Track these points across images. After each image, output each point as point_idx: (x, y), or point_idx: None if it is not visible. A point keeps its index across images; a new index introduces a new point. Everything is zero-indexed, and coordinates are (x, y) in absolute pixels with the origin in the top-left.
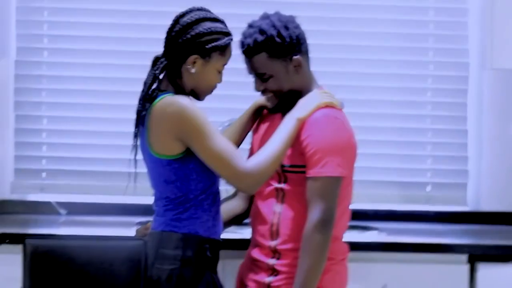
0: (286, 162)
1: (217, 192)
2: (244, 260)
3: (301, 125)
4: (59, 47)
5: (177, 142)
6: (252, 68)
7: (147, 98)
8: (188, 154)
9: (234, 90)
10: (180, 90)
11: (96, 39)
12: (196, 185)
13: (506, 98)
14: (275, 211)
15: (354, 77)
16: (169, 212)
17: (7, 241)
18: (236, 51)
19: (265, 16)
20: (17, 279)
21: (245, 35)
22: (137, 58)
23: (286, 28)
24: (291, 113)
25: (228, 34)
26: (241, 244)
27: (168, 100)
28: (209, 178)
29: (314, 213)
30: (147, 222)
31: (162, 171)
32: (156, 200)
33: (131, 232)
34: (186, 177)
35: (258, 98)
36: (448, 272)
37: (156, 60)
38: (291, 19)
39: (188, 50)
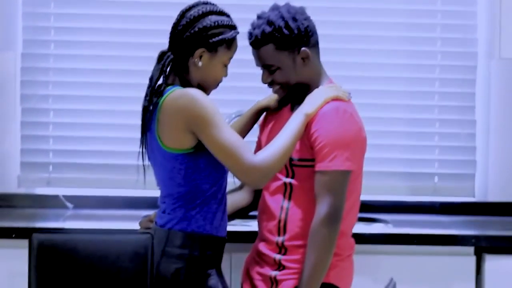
0: (295, 156)
1: (225, 190)
2: (251, 252)
3: (310, 119)
4: (65, 39)
5: (188, 134)
6: (260, 60)
7: (154, 93)
8: (199, 149)
9: (242, 81)
10: (187, 84)
11: (102, 31)
12: (205, 182)
13: None
14: (282, 206)
15: (361, 67)
16: (178, 210)
17: (13, 235)
18: (244, 42)
19: (275, 7)
20: (23, 273)
21: (253, 26)
22: (144, 50)
23: (295, 19)
24: (299, 109)
25: (234, 27)
26: (248, 237)
27: (179, 92)
28: (219, 175)
29: (322, 207)
30: (153, 213)
31: (172, 165)
32: (163, 197)
33: (138, 225)
34: (196, 172)
35: (260, 100)
36: (455, 263)
37: (162, 55)
38: (301, 10)
39: (194, 43)
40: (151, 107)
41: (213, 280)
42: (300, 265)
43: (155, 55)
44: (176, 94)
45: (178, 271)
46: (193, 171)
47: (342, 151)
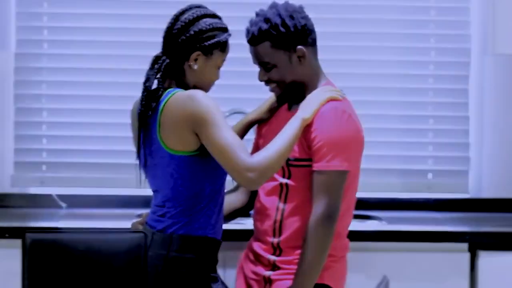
0: (292, 156)
1: (224, 193)
2: (246, 250)
3: (308, 123)
4: (59, 39)
5: (192, 135)
6: (256, 57)
7: (152, 98)
8: (203, 151)
9: (239, 79)
10: (183, 87)
11: (95, 30)
12: (208, 185)
13: (508, 83)
14: (278, 207)
15: (355, 64)
16: (181, 214)
17: (6, 235)
18: (242, 40)
19: (273, 5)
20: (16, 273)
21: (251, 24)
22: (137, 49)
23: (292, 17)
24: (296, 114)
25: (226, 30)
26: (242, 235)
27: (183, 94)
28: (220, 178)
29: (319, 207)
30: (143, 214)
31: (176, 168)
32: (163, 201)
33: (131, 226)
34: (200, 175)
35: (249, 113)
36: (449, 260)
37: (156, 59)
38: (299, 9)
39: (190, 47)
40: (150, 112)
41: (218, 283)
42: (294, 266)
43: (148, 53)
44: (179, 96)
45: (183, 276)
46: (197, 174)
47: (340, 151)
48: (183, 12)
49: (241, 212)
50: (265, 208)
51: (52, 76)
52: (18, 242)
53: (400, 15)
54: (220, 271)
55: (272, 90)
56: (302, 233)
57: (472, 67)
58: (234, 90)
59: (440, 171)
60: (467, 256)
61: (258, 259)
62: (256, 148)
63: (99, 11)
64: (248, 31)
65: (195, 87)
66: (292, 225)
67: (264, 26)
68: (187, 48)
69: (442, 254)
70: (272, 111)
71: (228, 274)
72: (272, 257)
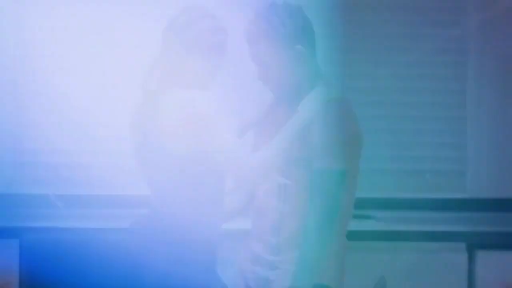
0: (291, 155)
1: (223, 193)
2: (244, 251)
3: (307, 121)
4: (58, 39)
5: (192, 135)
6: (255, 57)
7: (152, 98)
8: (203, 153)
9: (238, 80)
10: (182, 87)
11: (94, 30)
12: (209, 185)
13: (505, 83)
14: (277, 207)
15: (353, 64)
16: (181, 214)
17: (4, 235)
18: (241, 40)
19: (272, 5)
20: (14, 273)
21: (249, 23)
22: (136, 49)
23: (291, 17)
24: (295, 114)
25: (225, 30)
26: (242, 235)
27: (183, 95)
28: (220, 178)
29: (317, 207)
30: (143, 215)
31: (176, 168)
32: (164, 201)
33: (128, 225)
34: (200, 175)
35: (249, 114)
36: (447, 260)
37: (155, 60)
38: (298, 9)
39: (189, 47)
40: (150, 113)
41: (218, 283)
42: (293, 266)
43: (147, 54)
44: (179, 96)
45: (183, 276)
46: (197, 174)
47: (339, 151)
48: (182, 12)
49: (241, 212)
50: (263, 208)
51: (52, 76)
52: (16, 242)
53: (399, 15)
54: (220, 271)
55: (271, 90)
56: (301, 233)
57: (470, 67)
58: (234, 90)
59: (438, 171)
60: (465, 256)
61: (257, 259)
62: (256, 147)
63: (99, 11)
64: (247, 30)
65: (194, 87)
66: (291, 224)
67: (263, 25)
68: (187, 49)
69: (440, 254)
70: (271, 111)
71: (228, 274)
72: (271, 257)
